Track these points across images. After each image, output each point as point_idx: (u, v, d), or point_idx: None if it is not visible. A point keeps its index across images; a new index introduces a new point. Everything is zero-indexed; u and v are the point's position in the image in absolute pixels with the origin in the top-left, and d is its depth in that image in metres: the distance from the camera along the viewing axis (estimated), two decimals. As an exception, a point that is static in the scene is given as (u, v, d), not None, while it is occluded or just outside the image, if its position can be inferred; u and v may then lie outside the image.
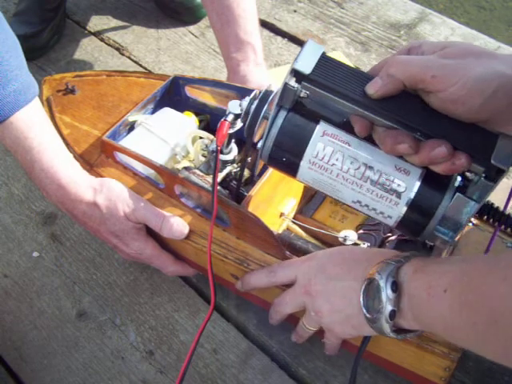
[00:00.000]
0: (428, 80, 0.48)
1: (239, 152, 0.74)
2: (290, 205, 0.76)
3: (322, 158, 0.55)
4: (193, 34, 1.23)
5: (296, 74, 0.52)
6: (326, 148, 0.55)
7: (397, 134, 0.50)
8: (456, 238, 0.56)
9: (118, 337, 0.77)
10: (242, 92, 0.79)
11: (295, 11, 1.28)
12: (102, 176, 0.74)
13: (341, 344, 0.66)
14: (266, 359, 0.74)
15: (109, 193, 0.69)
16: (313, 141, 0.55)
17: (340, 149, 0.55)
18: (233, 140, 0.72)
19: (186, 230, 0.69)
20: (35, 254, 0.86)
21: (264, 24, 1.23)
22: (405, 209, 0.54)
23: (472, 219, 0.69)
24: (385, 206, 0.55)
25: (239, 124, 0.67)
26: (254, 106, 0.59)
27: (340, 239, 0.70)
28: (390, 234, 0.72)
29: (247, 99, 0.60)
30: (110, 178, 0.72)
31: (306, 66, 0.51)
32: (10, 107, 0.66)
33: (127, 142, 0.76)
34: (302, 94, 0.54)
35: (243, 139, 0.77)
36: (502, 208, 0.61)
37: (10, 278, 0.84)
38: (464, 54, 0.49)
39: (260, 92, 0.61)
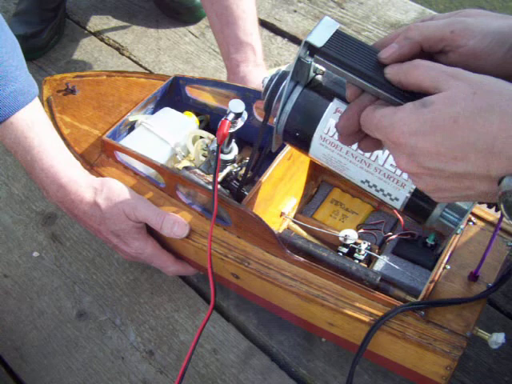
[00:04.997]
0: (447, 36, 0.48)
1: (239, 152, 0.74)
2: (291, 204, 0.76)
3: (333, 135, 0.55)
4: (193, 34, 1.23)
5: (309, 47, 0.52)
6: None
7: None
8: (462, 226, 0.55)
9: (118, 337, 0.77)
10: (242, 92, 0.79)
11: (295, 11, 1.28)
12: (102, 176, 0.74)
13: (342, 341, 0.66)
14: (266, 359, 0.74)
15: (109, 192, 0.69)
16: (325, 117, 0.55)
17: None
18: (233, 140, 0.72)
19: (186, 229, 0.69)
20: (35, 254, 0.86)
21: (264, 24, 1.23)
22: (411, 191, 0.54)
23: (473, 218, 0.69)
24: (392, 188, 0.55)
25: (240, 123, 0.67)
26: (273, 82, 0.59)
27: (340, 239, 0.70)
28: (390, 233, 0.72)
29: (269, 76, 0.60)
30: (110, 178, 0.72)
31: (319, 39, 0.51)
32: (10, 108, 0.66)
33: (127, 141, 0.76)
34: (316, 70, 0.54)
35: (243, 139, 0.78)
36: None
37: (10, 278, 0.84)
38: (477, 14, 0.50)
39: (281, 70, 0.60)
